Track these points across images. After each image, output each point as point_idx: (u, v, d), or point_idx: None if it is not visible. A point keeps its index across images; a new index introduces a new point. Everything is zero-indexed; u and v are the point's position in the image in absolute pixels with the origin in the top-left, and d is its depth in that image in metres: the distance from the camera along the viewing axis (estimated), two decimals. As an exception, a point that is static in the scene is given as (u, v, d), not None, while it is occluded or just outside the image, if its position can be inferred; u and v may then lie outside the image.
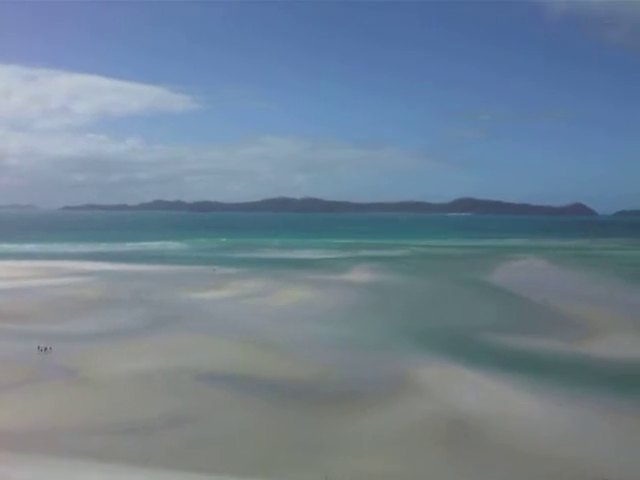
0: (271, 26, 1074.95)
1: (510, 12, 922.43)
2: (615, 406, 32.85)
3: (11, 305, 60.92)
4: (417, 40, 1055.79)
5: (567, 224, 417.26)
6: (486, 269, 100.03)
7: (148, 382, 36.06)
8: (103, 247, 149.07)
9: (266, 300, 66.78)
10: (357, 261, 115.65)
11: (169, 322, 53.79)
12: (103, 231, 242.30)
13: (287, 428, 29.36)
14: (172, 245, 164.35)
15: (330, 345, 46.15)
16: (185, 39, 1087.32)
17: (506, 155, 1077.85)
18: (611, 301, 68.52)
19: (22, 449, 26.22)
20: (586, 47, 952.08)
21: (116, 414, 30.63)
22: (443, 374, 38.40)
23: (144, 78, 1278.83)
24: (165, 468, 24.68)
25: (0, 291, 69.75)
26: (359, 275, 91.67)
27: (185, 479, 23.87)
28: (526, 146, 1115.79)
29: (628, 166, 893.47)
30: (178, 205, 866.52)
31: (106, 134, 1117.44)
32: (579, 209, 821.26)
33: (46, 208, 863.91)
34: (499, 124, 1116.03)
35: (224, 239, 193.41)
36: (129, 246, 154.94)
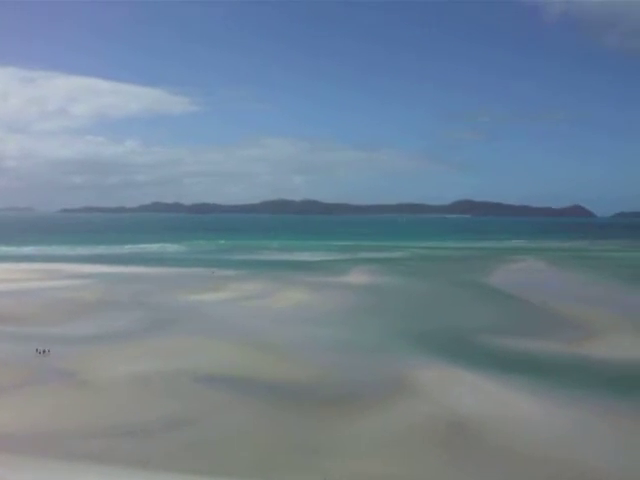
0: (269, 28, 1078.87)
1: (509, 13, 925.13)
2: (614, 408, 32.81)
3: (9, 307, 60.82)
4: (416, 41, 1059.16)
5: (566, 226, 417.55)
6: (485, 271, 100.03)
7: (146, 384, 35.99)
8: (101, 249, 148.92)
9: (265, 302, 66.73)
10: (356, 263, 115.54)
11: (168, 324, 53.74)
12: (101, 233, 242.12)
13: (286, 430, 29.31)
14: (170, 247, 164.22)
15: (329, 347, 46.11)
16: (183, 41, 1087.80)
17: (505, 157, 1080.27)
18: (610, 302, 68.56)
19: (20, 451, 26.15)
20: (586, 49, 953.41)
21: (114, 416, 30.56)
22: (442, 376, 38.35)
23: (142, 80, 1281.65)
24: (164, 470, 24.65)
25: (-2, 293, 69.59)
26: (358, 277, 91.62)
27: (184, 481, 23.83)
28: (525, 148, 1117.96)
29: (627, 168, 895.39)
30: (176, 207, 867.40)
31: (104, 136, 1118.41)
32: (578, 211, 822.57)
33: (44, 210, 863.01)
34: (498, 126, 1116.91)
35: (223, 241, 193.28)
36: (127, 248, 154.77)
